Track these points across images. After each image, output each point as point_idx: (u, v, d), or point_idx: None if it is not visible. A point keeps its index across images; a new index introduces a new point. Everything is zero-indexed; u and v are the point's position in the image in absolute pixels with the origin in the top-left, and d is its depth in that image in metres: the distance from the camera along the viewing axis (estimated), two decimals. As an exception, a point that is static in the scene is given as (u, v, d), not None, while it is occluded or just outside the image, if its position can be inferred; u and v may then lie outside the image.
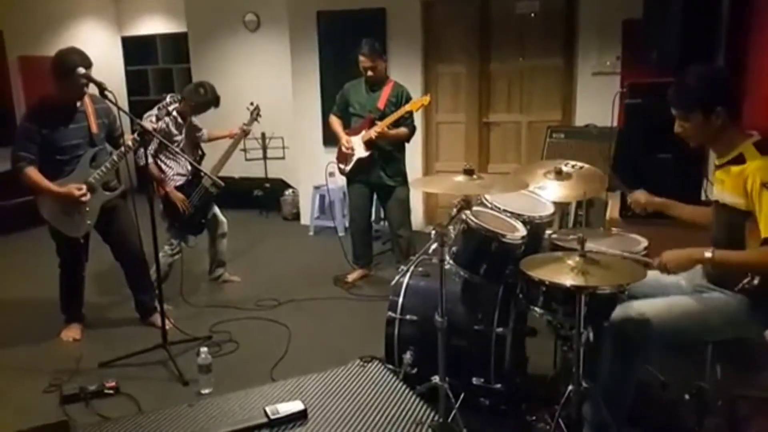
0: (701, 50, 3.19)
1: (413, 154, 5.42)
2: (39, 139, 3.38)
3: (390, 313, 2.83)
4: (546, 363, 3.05)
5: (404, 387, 2.04)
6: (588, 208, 3.90)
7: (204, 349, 3.10)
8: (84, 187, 3.41)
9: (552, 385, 2.87)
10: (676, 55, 3.26)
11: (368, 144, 4.30)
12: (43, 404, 3.02)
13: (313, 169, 6.02)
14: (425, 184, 2.92)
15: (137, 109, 4.69)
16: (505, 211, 2.77)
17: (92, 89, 3.33)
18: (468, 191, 2.54)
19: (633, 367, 2.31)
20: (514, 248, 2.61)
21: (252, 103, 4.57)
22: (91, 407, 2.96)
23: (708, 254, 2.14)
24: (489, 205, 2.81)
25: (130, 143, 3.43)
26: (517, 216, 2.75)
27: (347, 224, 5.61)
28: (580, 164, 2.95)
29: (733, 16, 3.21)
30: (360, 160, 4.37)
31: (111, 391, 3.06)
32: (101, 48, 7.86)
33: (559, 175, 2.88)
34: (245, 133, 4.48)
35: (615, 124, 4.54)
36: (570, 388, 2.30)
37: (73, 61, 3.27)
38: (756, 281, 2.19)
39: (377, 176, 4.41)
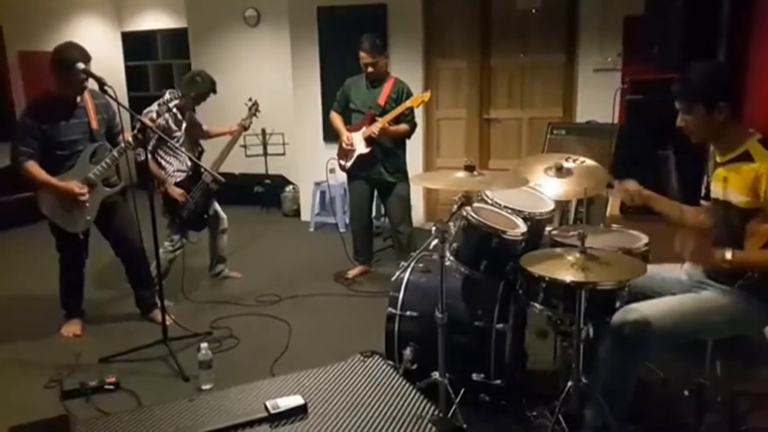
0: (702, 46, 3.18)
1: (414, 150, 5.42)
2: (39, 134, 3.38)
3: (390, 309, 2.84)
4: (546, 359, 3.05)
5: (404, 382, 2.05)
6: (588, 204, 3.90)
7: (204, 345, 3.10)
8: (86, 187, 3.41)
9: (552, 380, 2.87)
10: (677, 52, 3.26)
11: (369, 140, 4.30)
12: (43, 399, 3.02)
13: (313, 165, 6.03)
14: (426, 180, 2.92)
15: (137, 105, 4.69)
16: (505, 207, 2.78)
17: (92, 85, 3.33)
18: (468, 187, 2.54)
19: (634, 369, 2.31)
20: (514, 245, 2.61)
21: (250, 99, 4.57)
22: (92, 402, 2.97)
23: (729, 256, 2.13)
24: (490, 202, 2.81)
25: (130, 139, 3.43)
26: (518, 212, 2.75)
27: (348, 220, 5.61)
28: (581, 160, 2.95)
29: (735, 13, 3.20)
30: (361, 157, 4.36)
31: (111, 387, 3.07)
32: (101, 43, 7.86)
33: (560, 171, 2.88)
34: (244, 129, 4.48)
35: (616, 120, 4.54)
36: (570, 383, 2.31)
37: (72, 56, 3.26)
38: (756, 276, 2.19)
39: (378, 172, 4.41)
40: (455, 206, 2.57)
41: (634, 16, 4.71)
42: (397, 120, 4.28)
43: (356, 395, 1.98)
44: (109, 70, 6.98)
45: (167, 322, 3.44)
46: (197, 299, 4.29)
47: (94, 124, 3.54)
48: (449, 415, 2.42)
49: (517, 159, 5.77)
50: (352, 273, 4.68)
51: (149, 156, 3.83)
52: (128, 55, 8.37)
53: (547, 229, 2.83)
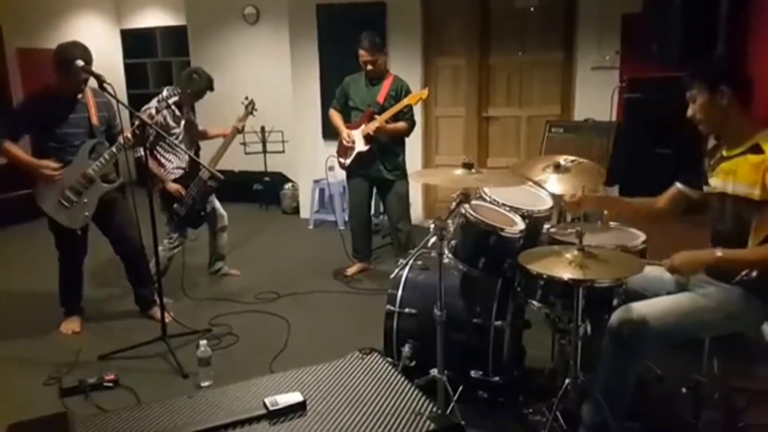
0: (701, 44, 3.18)
1: (413, 148, 5.42)
2: (26, 122, 3.47)
3: (389, 306, 2.84)
4: (544, 356, 3.05)
5: (403, 379, 2.05)
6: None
7: (203, 342, 3.11)
8: (60, 166, 3.42)
9: (550, 377, 2.88)
10: (676, 50, 3.26)
11: (368, 138, 4.30)
12: (42, 397, 3.03)
13: (312, 163, 6.03)
14: (424, 177, 2.92)
15: (136, 102, 4.69)
16: (503, 205, 2.78)
17: (93, 83, 3.34)
18: (467, 185, 2.54)
19: (633, 369, 2.32)
20: (512, 242, 2.61)
21: (246, 98, 4.56)
22: (91, 400, 2.98)
23: (719, 254, 2.14)
24: (488, 199, 2.81)
25: (129, 136, 3.43)
26: (516, 210, 2.75)
27: (347, 218, 5.61)
28: (579, 159, 2.95)
29: (734, 11, 3.20)
30: (360, 154, 4.36)
31: (110, 384, 3.07)
32: (100, 41, 7.84)
33: (558, 169, 2.88)
34: (238, 131, 4.45)
35: (614, 118, 4.54)
36: (567, 380, 2.31)
37: (72, 54, 3.29)
38: (754, 274, 2.20)
39: (377, 170, 4.41)
40: (454, 204, 2.57)
41: (633, 14, 4.71)
42: (395, 118, 4.28)
43: (355, 392, 1.98)
44: (109, 67, 6.98)
45: (166, 320, 3.45)
46: (196, 296, 4.29)
47: (95, 120, 3.55)
48: (447, 412, 2.42)
49: (515, 157, 5.79)
50: (351, 270, 4.69)
51: (148, 154, 3.83)
52: (127, 52, 8.37)
53: (545, 226, 2.84)
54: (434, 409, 1.88)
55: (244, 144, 6.47)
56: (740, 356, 2.64)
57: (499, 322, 2.65)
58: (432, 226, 2.43)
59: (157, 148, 4.17)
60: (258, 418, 1.82)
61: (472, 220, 2.58)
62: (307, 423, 1.81)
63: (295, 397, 1.88)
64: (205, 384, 3.07)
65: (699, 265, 2.22)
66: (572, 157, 2.91)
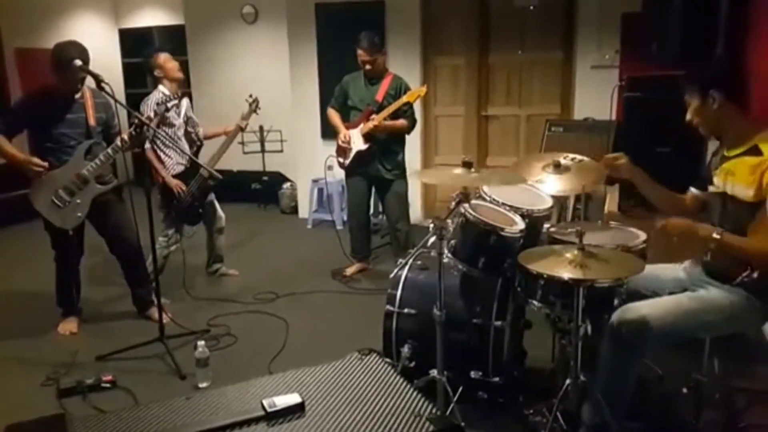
0: (701, 44, 3.18)
1: (412, 147, 5.41)
2: (23, 120, 3.47)
3: (388, 306, 2.83)
4: (544, 356, 3.05)
5: (402, 379, 2.04)
6: (586, 201, 3.90)
7: (201, 343, 3.10)
8: (46, 164, 3.40)
9: (550, 378, 2.87)
10: (676, 49, 3.25)
11: (367, 137, 4.29)
12: (40, 398, 3.02)
13: (311, 163, 6.01)
14: (424, 176, 2.91)
15: (134, 102, 4.67)
16: (503, 204, 2.77)
17: (92, 83, 3.33)
18: (466, 184, 2.53)
19: (633, 369, 2.31)
20: (512, 242, 2.60)
21: (251, 96, 4.55)
22: (88, 401, 2.96)
23: (716, 235, 2.12)
24: (488, 199, 2.80)
25: (126, 137, 3.42)
26: (516, 209, 2.74)
27: (345, 218, 5.60)
28: (578, 157, 2.94)
29: (733, 10, 3.19)
30: (359, 153, 4.35)
31: (108, 385, 3.06)
32: (98, 40, 7.83)
33: (558, 168, 2.88)
34: (241, 129, 4.44)
35: (613, 117, 4.53)
36: (568, 381, 2.30)
37: (69, 53, 3.29)
38: (755, 275, 2.19)
39: (376, 169, 4.40)
40: (453, 203, 2.56)
41: (632, 13, 4.70)
42: (395, 116, 4.27)
43: (354, 393, 1.97)
44: (107, 67, 6.96)
45: (164, 320, 3.43)
46: (195, 297, 4.27)
47: (92, 122, 3.54)
48: (447, 412, 2.42)
49: (515, 156, 5.78)
50: (349, 270, 4.68)
51: (149, 145, 3.82)
52: (125, 51, 8.35)
53: (545, 226, 2.82)
54: (434, 410, 1.87)
55: (242, 143, 6.45)
56: (741, 356, 2.64)
57: (499, 322, 2.64)
58: (431, 225, 2.42)
59: (158, 142, 4.16)
60: (256, 420, 1.81)
61: (472, 219, 2.57)
62: (305, 424, 1.80)
63: (293, 399, 1.87)
64: (203, 385, 3.06)
65: (692, 235, 2.16)
66: (572, 155, 2.91)
